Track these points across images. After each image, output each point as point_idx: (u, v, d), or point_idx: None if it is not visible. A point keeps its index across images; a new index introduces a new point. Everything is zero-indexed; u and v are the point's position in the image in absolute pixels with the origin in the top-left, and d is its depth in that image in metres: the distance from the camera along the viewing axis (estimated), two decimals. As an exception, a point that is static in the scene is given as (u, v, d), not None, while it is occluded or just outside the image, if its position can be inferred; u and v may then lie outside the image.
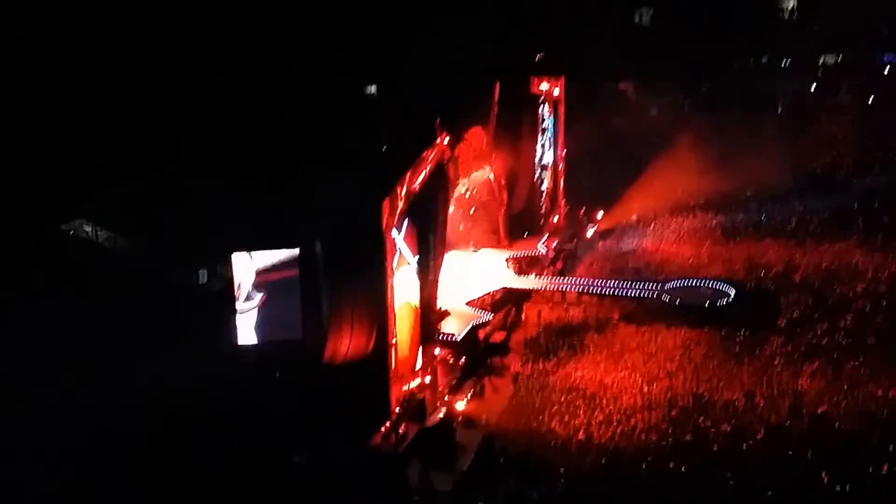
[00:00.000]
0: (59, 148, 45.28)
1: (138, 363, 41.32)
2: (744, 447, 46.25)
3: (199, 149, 48.72)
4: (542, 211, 78.47)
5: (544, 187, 78.40)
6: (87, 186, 46.47)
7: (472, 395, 53.61)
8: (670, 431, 48.00)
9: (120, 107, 48.67)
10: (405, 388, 50.45)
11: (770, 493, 42.26)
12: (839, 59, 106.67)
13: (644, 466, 44.91)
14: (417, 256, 51.72)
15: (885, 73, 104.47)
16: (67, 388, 39.91)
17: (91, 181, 46.58)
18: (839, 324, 58.80)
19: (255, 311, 46.90)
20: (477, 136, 63.30)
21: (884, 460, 43.71)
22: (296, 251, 46.37)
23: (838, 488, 42.30)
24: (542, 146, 77.30)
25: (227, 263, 46.84)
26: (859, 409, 48.89)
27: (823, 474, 43.11)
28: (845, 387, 51.11)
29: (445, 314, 58.08)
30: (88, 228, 46.27)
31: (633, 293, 64.82)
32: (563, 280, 69.43)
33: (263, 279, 46.78)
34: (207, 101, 51.08)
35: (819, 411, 48.93)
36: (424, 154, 52.15)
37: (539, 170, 77.15)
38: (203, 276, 47.22)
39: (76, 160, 46.03)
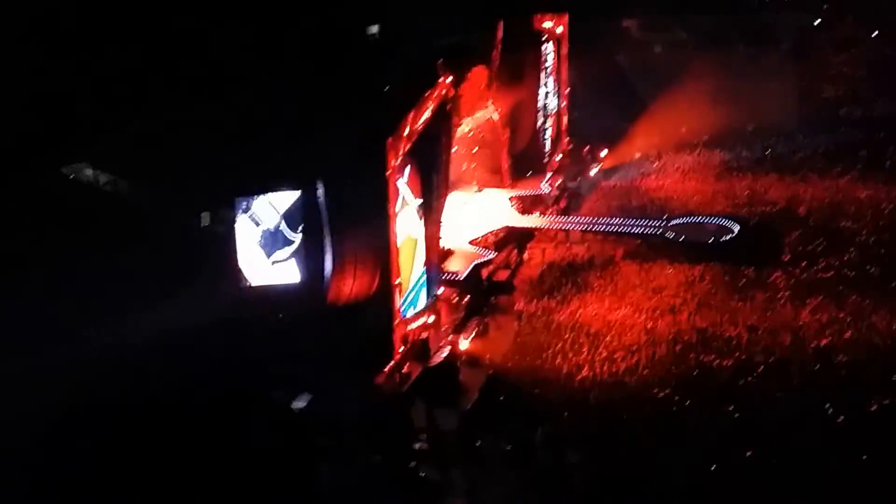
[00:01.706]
0: (57, 91, 44.73)
1: (139, 306, 41.12)
2: (747, 381, 46.04)
3: (200, 91, 48.11)
4: (546, 150, 77.91)
5: (547, 126, 77.78)
6: (87, 129, 45.97)
7: (475, 335, 53.40)
8: (673, 367, 47.79)
9: (119, 48, 48.03)
10: (409, 327, 50.25)
11: (773, 426, 42.08)
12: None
13: (647, 402, 44.74)
14: (420, 197, 51.37)
15: (889, 6, 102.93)
16: (69, 332, 39.75)
17: (91, 124, 46.05)
18: (843, 257, 58.37)
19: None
20: (479, 75, 62.62)
21: (886, 392, 43.48)
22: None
23: (841, 420, 42.10)
24: (545, 85, 76.60)
25: (230, 206, 46.60)
26: (862, 342, 48.59)
27: (826, 407, 42.99)
28: (848, 320, 50.73)
29: (449, 253, 57.91)
30: (89, 172, 45.84)
31: (636, 231, 64.22)
32: (567, 219, 69.02)
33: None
34: (208, 42, 50.35)
35: (822, 344, 48.73)
36: (427, 94, 51.53)
37: (542, 108, 76.49)
38: (206, 218, 46.83)
39: (76, 103, 45.51)
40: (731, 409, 43.31)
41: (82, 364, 39.55)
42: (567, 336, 51.47)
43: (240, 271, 46.78)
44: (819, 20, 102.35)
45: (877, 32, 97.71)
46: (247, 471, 38.87)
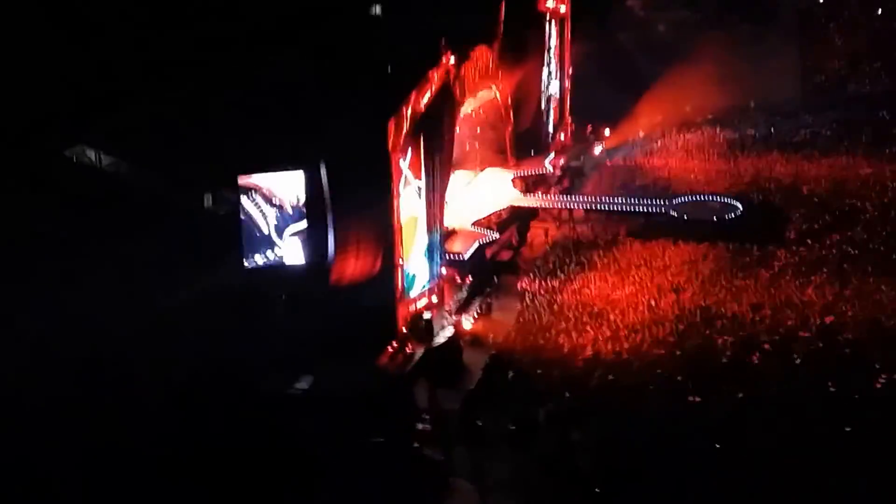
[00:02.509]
0: (60, 73, 44.44)
1: (143, 287, 40.93)
2: (750, 360, 45.92)
3: (203, 71, 47.78)
4: (549, 129, 77.60)
5: (551, 105, 77.45)
6: (89, 111, 45.68)
7: (479, 314, 53.23)
8: (677, 346, 47.58)
9: (122, 30, 47.75)
10: (412, 307, 50.02)
11: (777, 404, 41.88)
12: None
13: (651, 382, 44.51)
14: (423, 177, 51.09)
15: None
16: (71, 312, 39.55)
17: (93, 106, 45.77)
18: (846, 235, 58.40)
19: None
20: (483, 55, 62.23)
21: (890, 369, 43.39)
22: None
23: (845, 397, 41.95)
24: (549, 64, 76.23)
25: (233, 186, 46.33)
26: (865, 319, 48.54)
27: (830, 384, 42.83)
28: (852, 297, 50.72)
29: (453, 233, 57.68)
30: (91, 154, 45.58)
31: (640, 209, 64.14)
32: (570, 198, 68.78)
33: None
34: (211, 21, 50.04)
35: (826, 322, 48.57)
36: (430, 74, 51.31)
37: (545, 88, 76.15)
38: (208, 199, 46.57)
39: (78, 85, 45.22)
40: (734, 387, 43.00)
41: (90, 340, 39.53)
42: (570, 315, 51.28)
43: (242, 252, 46.47)
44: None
45: (881, 10, 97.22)
46: (250, 451, 38.81)
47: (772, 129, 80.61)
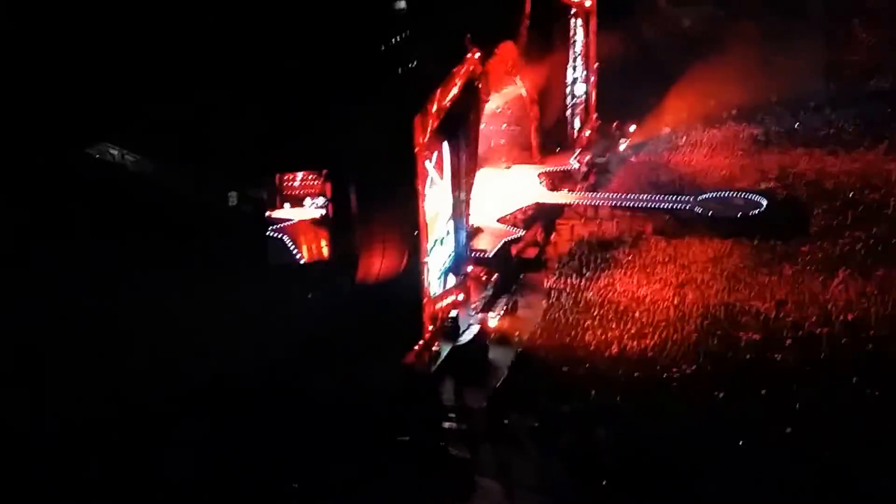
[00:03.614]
0: (84, 71, 44.73)
1: (168, 285, 41.13)
2: (775, 356, 46.00)
3: (227, 69, 47.97)
4: (575, 125, 77.53)
5: (576, 101, 77.38)
6: (113, 109, 45.93)
7: (504, 312, 53.33)
8: (702, 343, 47.69)
9: (145, 29, 48.01)
10: (438, 305, 50.20)
11: (801, 400, 41.96)
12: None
13: (676, 379, 44.60)
14: (449, 175, 51.26)
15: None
16: (95, 312, 39.89)
17: (116, 104, 46.01)
18: (870, 231, 58.23)
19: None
20: (508, 50, 62.35)
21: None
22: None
23: (868, 392, 42.12)
24: (574, 60, 76.13)
25: (259, 185, 46.61)
26: (890, 316, 48.57)
27: (854, 380, 42.90)
28: (875, 293, 50.70)
29: (478, 231, 57.80)
30: (115, 152, 45.84)
31: (665, 206, 64.06)
32: (596, 195, 68.78)
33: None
34: (236, 20, 50.25)
35: (849, 318, 48.60)
36: (455, 70, 51.40)
37: (571, 84, 76.07)
38: (233, 198, 46.75)
39: (102, 82, 45.48)
40: (759, 384, 43.08)
41: (116, 337, 39.94)
42: (596, 313, 51.44)
43: (269, 250, 46.73)
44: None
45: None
46: (280, 448, 39.19)
47: (796, 125, 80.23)
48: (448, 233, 52.44)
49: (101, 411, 38.44)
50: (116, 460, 38.45)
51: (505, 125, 70.78)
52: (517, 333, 51.12)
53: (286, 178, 50.65)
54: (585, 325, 50.27)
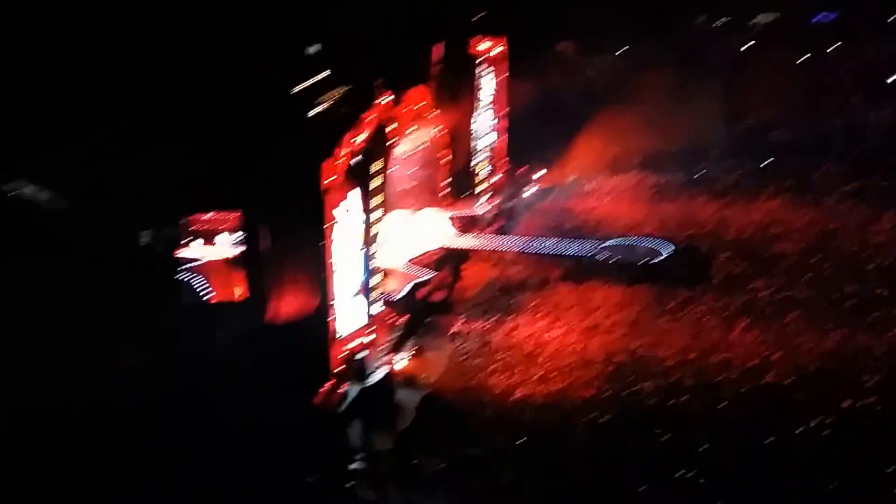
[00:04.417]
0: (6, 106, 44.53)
1: (79, 323, 40.81)
2: (677, 402, 46.64)
3: (143, 110, 47.93)
4: (483, 170, 78.20)
5: (485, 146, 78.13)
6: (28, 146, 45.62)
7: (412, 355, 53.47)
8: (606, 388, 48.21)
9: (61, 65, 47.83)
10: (346, 346, 50.25)
11: (703, 446, 42.64)
12: (773, 19, 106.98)
13: (580, 424, 45.06)
14: (358, 216, 51.53)
15: (818, 31, 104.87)
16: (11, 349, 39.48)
17: (31, 141, 45.73)
18: (771, 280, 59.34)
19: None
20: (418, 95, 62.90)
21: (814, 413, 44.25)
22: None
23: (769, 441, 42.79)
24: (483, 106, 76.96)
25: (171, 225, 46.50)
26: (790, 363, 49.36)
27: (754, 428, 43.63)
28: (776, 341, 51.61)
29: (387, 274, 57.94)
30: (29, 189, 45.42)
31: (571, 251, 64.80)
32: (503, 239, 69.37)
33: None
34: (150, 62, 50.25)
35: (750, 365, 49.44)
36: (365, 114, 51.66)
37: (479, 129, 76.82)
38: (146, 237, 46.57)
39: (16, 118, 45.19)
40: (660, 431, 43.68)
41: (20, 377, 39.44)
42: (502, 357, 51.79)
43: (180, 289, 46.60)
44: (751, 43, 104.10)
45: (807, 57, 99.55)
46: (183, 487, 38.87)
47: (697, 174, 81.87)
48: (356, 275, 52.58)
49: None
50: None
51: (414, 169, 71.21)
52: (424, 376, 51.31)
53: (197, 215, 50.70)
54: (491, 369, 50.60)
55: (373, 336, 53.02)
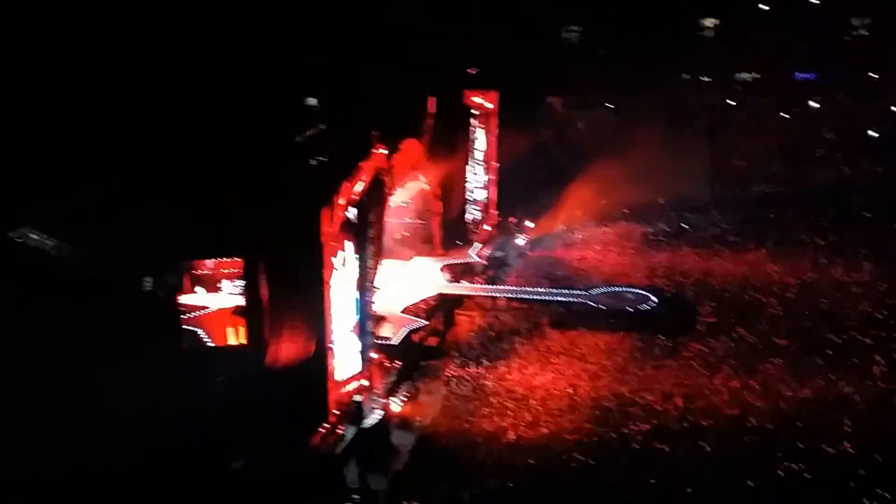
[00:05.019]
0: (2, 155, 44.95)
1: (81, 369, 40.95)
2: (662, 446, 47.06)
3: (145, 158, 48.44)
4: (475, 220, 79.00)
5: (477, 197, 78.94)
6: (32, 195, 45.99)
7: (407, 398, 53.81)
8: (594, 432, 48.62)
9: (62, 114, 48.34)
10: (343, 390, 50.67)
11: (688, 489, 43.14)
12: (756, 77, 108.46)
13: (569, 467, 45.49)
14: (355, 264, 52.18)
15: (799, 89, 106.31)
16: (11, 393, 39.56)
17: (35, 189, 46.11)
18: (752, 328, 60.26)
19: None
20: (413, 147, 63.73)
21: (795, 456, 44.92)
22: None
23: (752, 484, 43.30)
24: (475, 157, 77.83)
25: (173, 270, 46.90)
26: (771, 409, 50.08)
27: (738, 471, 44.10)
28: (759, 387, 52.33)
29: (382, 319, 58.45)
30: (35, 236, 45.75)
31: (560, 299, 65.69)
32: (495, 287, 70.06)
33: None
34: (153, 111, 50.91)
35: (733, 411, 50.04)
36: (362, 164, 52.39)
37: (472, 180, 77.67)
38: (149, 283, 46.91)
39: (20, 168, 45.61)
40: (646, 473, 44.14)
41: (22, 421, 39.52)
42: (494, 401, 52.22)
43: (183, 334, 47.08)
44: (734, 101, 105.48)
45: (786, 114, 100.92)
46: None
47: (683, 225, 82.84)
48: (353, 320, 53.10)
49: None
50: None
51: (409, 218, 72.00)
52: (418, 418, 51.72)
53: (201, 262, 51.45)
54: (484, 413, 50.98)
55: (369, 380, 53.51)
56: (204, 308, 51.70)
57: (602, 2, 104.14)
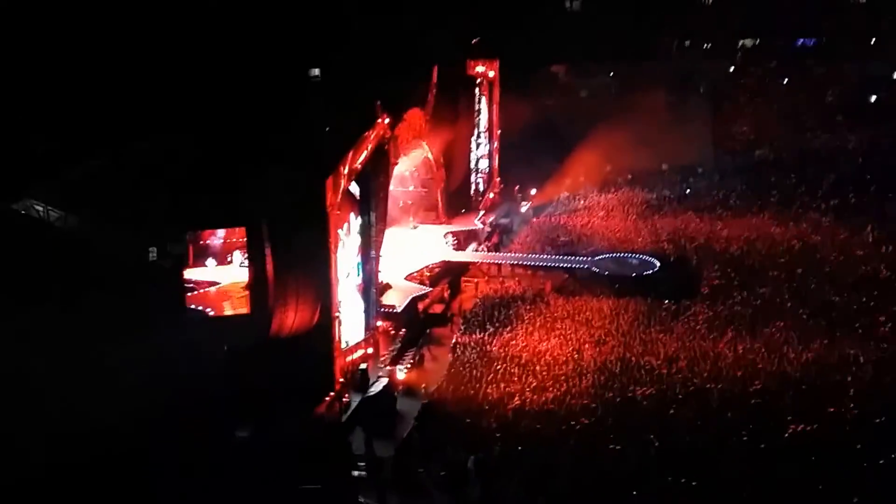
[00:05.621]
0: (6, 127, 44.34)
1: (89, 339, 40.52)
2: (667, 409, 46.38)
3: (148, 129, 47.87)
4: (479, 188, 78.48)
5: (480, 165, 78.38)
6: (36, 165, 45.45)
7: (412, 365, 53.37)
8: (599, 396, 47.96)
9: (66, 87, 47.81)
10: (348, 358, 50.18)
11: (692, 451, 42.50)
12: (757, 43, 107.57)
13: (574, 431, 44.90)
14: (359, 233, 51.63)
15: (799, 55, 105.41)
16: (19, 364, 39.14)
17: (40, 160, 45.57)
18: (756, 292, 59.66)
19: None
20: (416, 116, 63.10)
21: (797, 419, 44.12)
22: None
23: (757, 446, 42.63)
24: (478, 126, 77.25)
25: (179, 240, 46.35)
26: (775, 372, 49.38)
27: (742, 433, 43.50)
28: (762, 350, 51.60)
29: (387, 287, 57.97)
30: (39, 208, 45.18)
31: (564, 266, 65.09)
32: (499, 254, 69.60)
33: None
34: (156, 82, 50.30)
35: (737, 373, 49.34)
36: (366, 134, 51.77)
37: (475, 148, 77.10)
38: (153, 253, 46.32)
39: (24, 139, 45.09)
40: (652, 436, 43.52)
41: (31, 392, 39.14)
42: (499, 366, 51.47)
43: (188, 304, 46.52)
44: (733, 67, 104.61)
45: (787, 79, 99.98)
46: (191, 496, 38.59)
47: (686, 191, 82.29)
48: (359, 288, 52.62)
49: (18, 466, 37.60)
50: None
51: (413, 187, 71.39)
52: (424, 386, 51.14)
53: (210, 233, 50.96)
54: (489, 378, 50.32)
55: (374, 347, 53.08)
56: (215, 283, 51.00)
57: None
